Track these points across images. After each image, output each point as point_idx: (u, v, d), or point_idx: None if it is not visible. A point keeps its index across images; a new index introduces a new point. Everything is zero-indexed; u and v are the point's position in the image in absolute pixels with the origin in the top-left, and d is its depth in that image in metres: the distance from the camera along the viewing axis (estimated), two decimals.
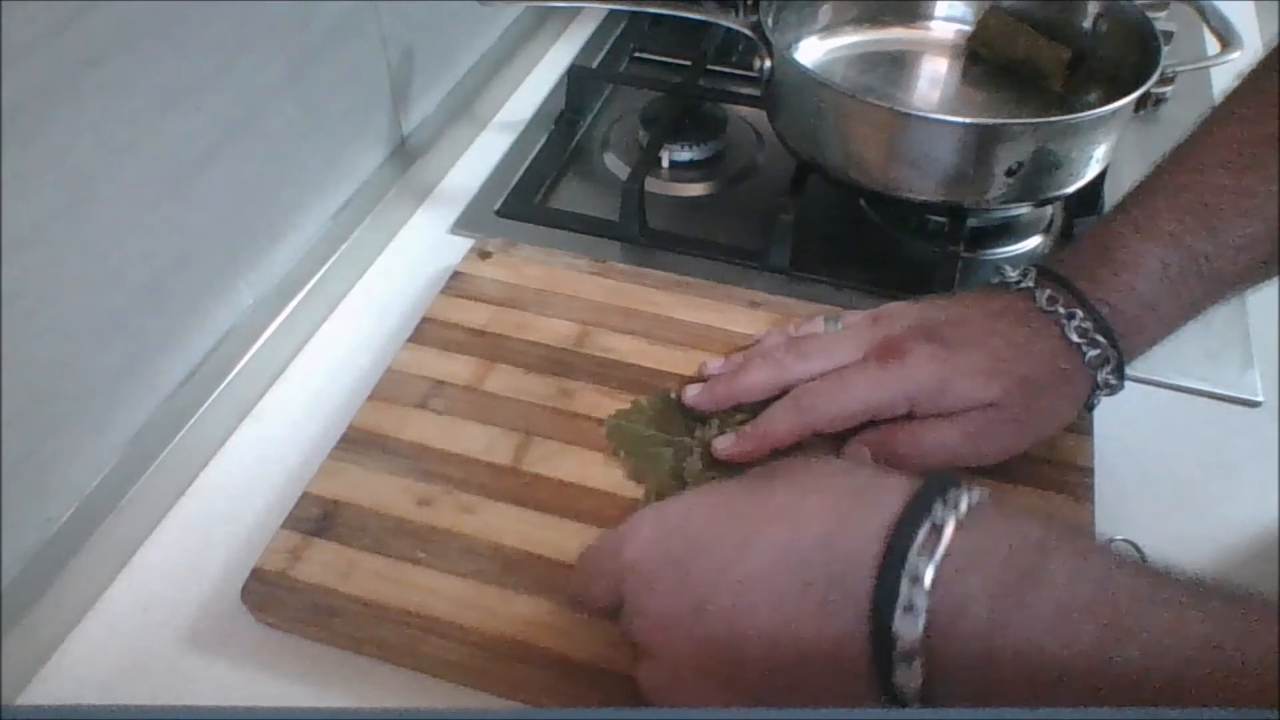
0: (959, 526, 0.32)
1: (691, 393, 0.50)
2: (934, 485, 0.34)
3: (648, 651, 0.37)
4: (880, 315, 0.49)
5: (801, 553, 0.34)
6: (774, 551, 0.34)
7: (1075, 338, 0.44)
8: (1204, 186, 0.44)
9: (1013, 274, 0.48)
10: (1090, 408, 0.48)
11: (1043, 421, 0.46)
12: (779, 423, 0.46)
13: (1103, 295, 0.45)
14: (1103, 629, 0.30)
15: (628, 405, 0.52)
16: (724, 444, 0.47)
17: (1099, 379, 0.45)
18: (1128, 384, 0.57)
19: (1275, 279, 0.46)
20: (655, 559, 0.37)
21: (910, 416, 0.46)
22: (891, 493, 0.34)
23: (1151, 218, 0.45)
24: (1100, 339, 0.44)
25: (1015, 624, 0.30)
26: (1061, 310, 0.45)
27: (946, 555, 0.31)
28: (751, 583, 0.34)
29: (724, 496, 0.38)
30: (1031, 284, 0.46)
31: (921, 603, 0.31)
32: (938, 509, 0.33)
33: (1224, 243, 0.44)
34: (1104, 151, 0.60)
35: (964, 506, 0.33)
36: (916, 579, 0.31)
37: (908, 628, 0.31)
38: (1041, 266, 0.47)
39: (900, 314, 0.48)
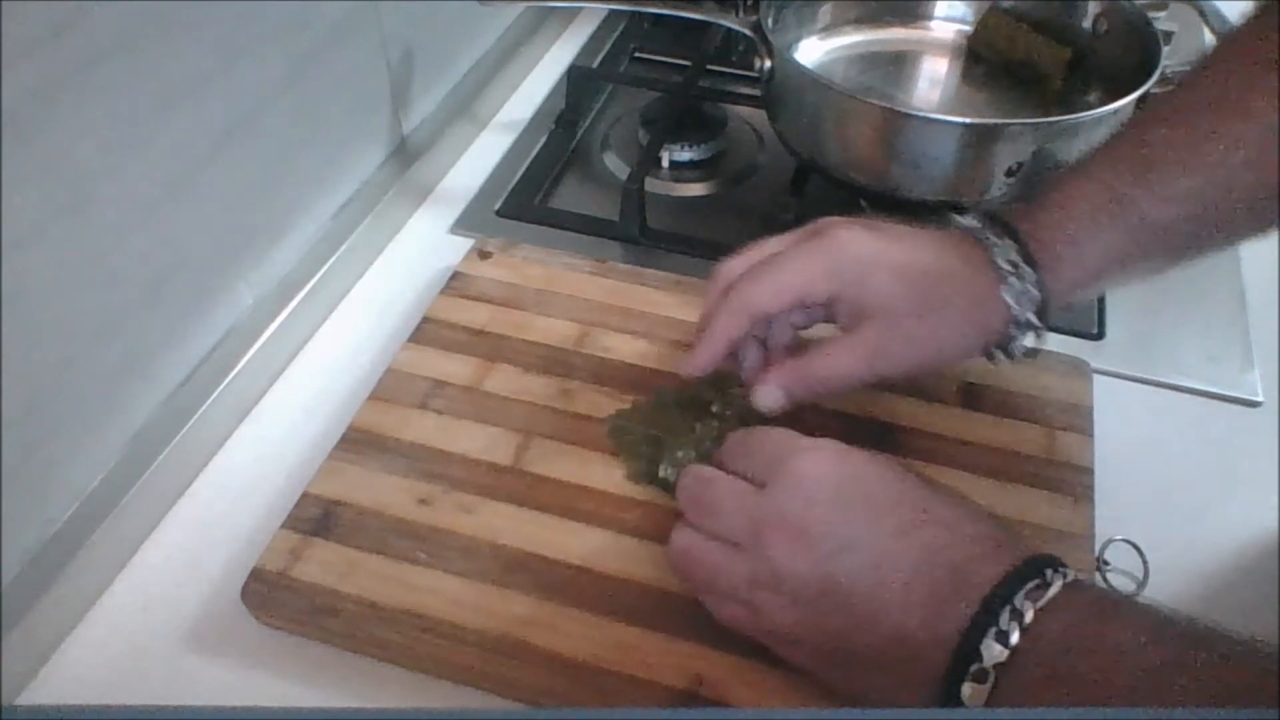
0: (1064, 587, 0.35)
1: (682, 364, 0.49)
2: (1050, 558, 0.37)
3: (759, 546, 0.39)
4: (815, 221, 0.48)
5: (944, 561, 0.37)
6: (924, 547, 0.37)
7: (1002, 264, 0.44)
8: (1141, 139, 0.45)
9: (961, 220, 0.48)
10: (1009, 354, 0.47)
11: (943, 342, 0.46)
12: (719, 320, 0.46)
13: (1030, 229, 0.45)
14: (1146, 672, 0.32)
15: (628, 405, 0.52)
16: (687, 361, 0.47)
17: (1020, 316, 0.45)
18: (1128, 384, 0.57)
19: (1215, 247, 0.47)
20: (825, 481, 0.39)
21: (829, 324, 0.46)
22: (1016, 549, 0.38)
23: (1091, 164, 0.46)
24: (1026, 269, 0.44)
25: (1077, 658, 0.34)
26: (993, 239, 0.45)
27: (1046, 606, 0.35)
28: (894, 559, 0.37)
29: (901, 477, 0.40)
30: (974, 224, 0.46)
31: (1015, 637, 0.34)
32: (1049, 573, 0.36)
33: (1157, 192, 0.44)
34: None
35: (1070, 577, 0.36)
36: (1017, 615, 0.34)
37: (992, 653, 0.34)
38: (988, 212, 0.47)
39: (834, 218, 0.47)
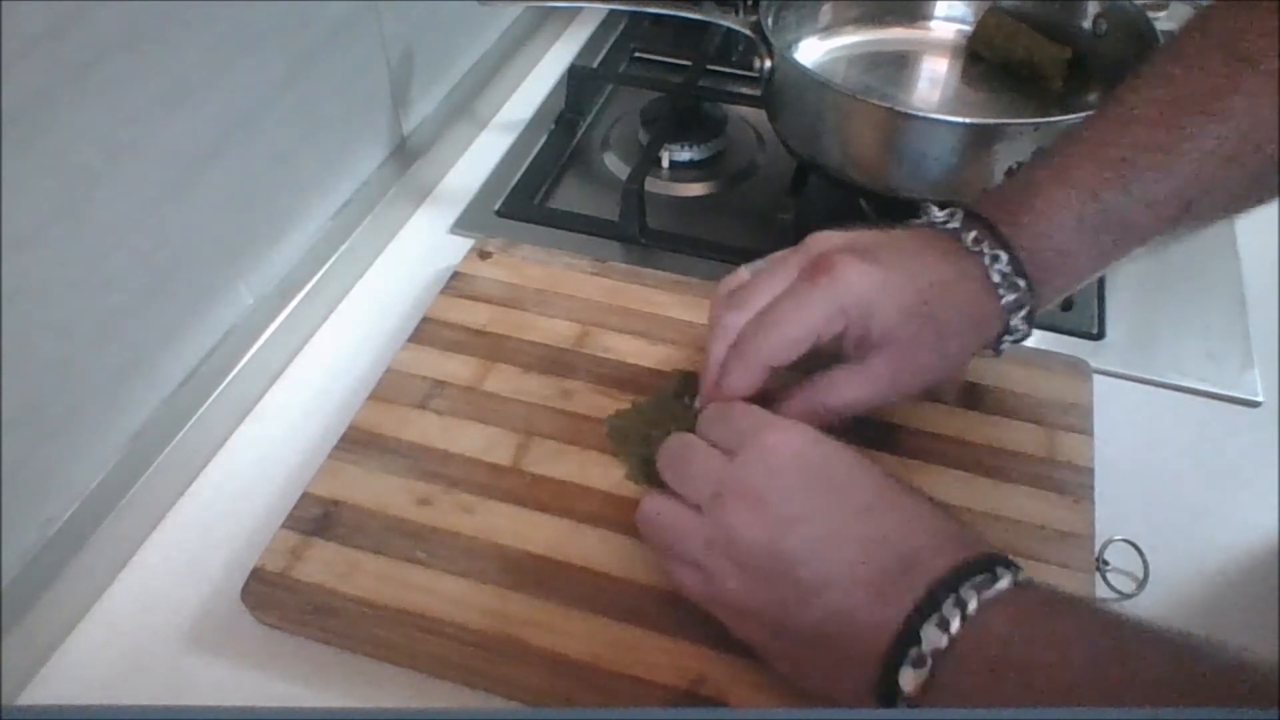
0: (1012, 584, 0.35)
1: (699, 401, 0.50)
2: (1003, 557, 0.37)
3: (718, 510, 0.39)
4: (806, 242, 0.47)
5: (896, 546, 0.37)
6: (879, 531, 0.38)
7: (996, 279, 0.44)
8: (1123, 142, 0.45)
9: (939, 214, 0.47)
10: (997, 352, 0.48)
11: (948, 365, 0.46)
12: (732, 375, 0.45)
13: (1021, 240, 0.45)
14: (1091, 661, 0.32)
15: (627, 405, 0.52)
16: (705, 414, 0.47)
17: (1010, 324, 0.46)
18: (1127, 384, 0.57)
19: (1183, 235, 0.47)
20: (793, 456, 0.40)
21: (835, 356, 0.46)
22: (970, 545, 0.38)
23: (1071, 168, 0.45)
24: (1019, 282, 0.45)
25: (1020, 647, 0.34)
26: (986, 251, 0.45)
27: (993, 600, 0.35)
28: (847, 539, 0.38)
29: (867, 466, 0.41)
30: (958, 224, 0.46)
31: (955, 625, 0.34)
32: (1000, 570, 0.36)
33: (1138, 197, 0.44)
34: None
35: (1021, 576, 0.36)
36: (961, 604, 0.34)
37: (932, 638, 0.34)
38: (966, 208, 0.47)
39: (826, 238, 0.47)
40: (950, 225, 0.46)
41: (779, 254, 0.49)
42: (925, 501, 0.40)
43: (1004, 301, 0.45)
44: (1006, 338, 0.47)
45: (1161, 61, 0.46)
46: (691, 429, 0.49)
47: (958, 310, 0.45)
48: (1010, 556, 0.37)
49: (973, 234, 0.45)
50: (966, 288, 0.45)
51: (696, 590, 0.41)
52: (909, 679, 0.34)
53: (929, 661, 0.34)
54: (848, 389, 0.45)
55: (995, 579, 0.35)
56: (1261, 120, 0.43)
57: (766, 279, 0.46)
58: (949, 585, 0.35)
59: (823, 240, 0.46)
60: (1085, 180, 0.45)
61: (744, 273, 0.49)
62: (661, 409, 0.52)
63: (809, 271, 0.45)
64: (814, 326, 0.44)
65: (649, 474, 0.49)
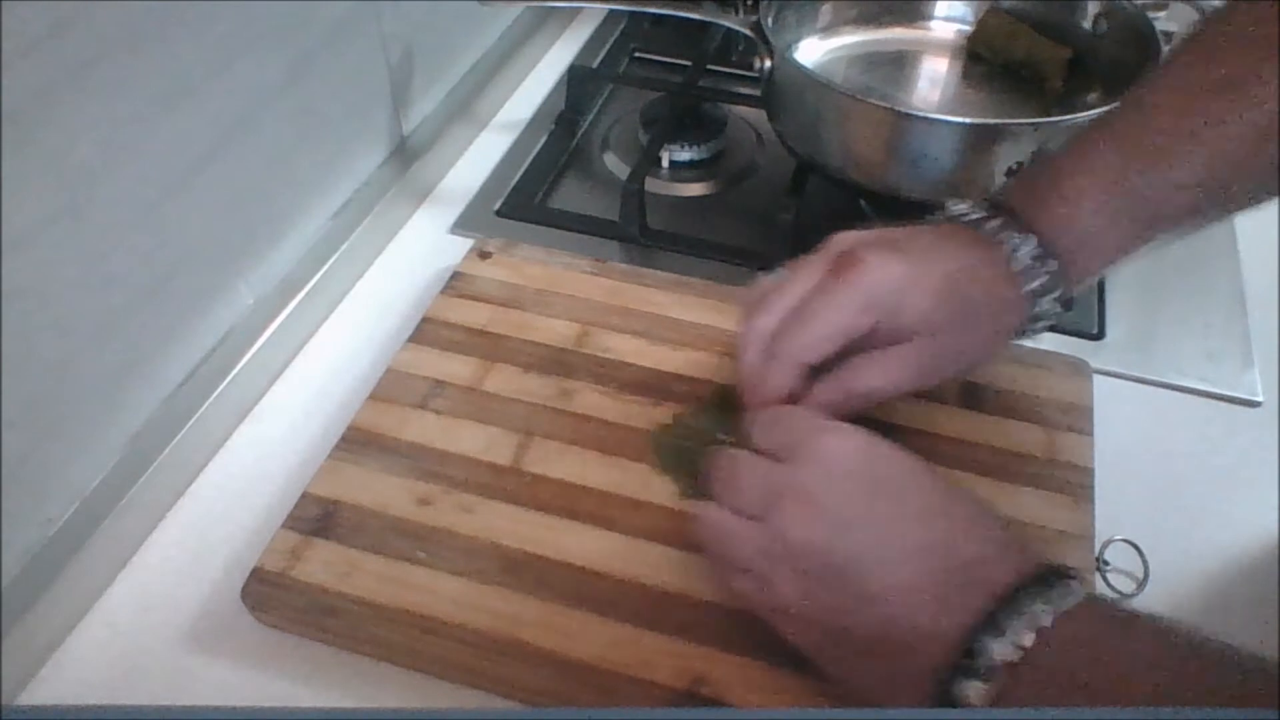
0: (1087, 598, 0.35)
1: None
2: (1066, 568, 0.37)
3: (774, 515, 0.39)
4: (828, 243, 0.47)
5: (955, 555, 0.37)
6: (937, 539, 0.37)
7: (1021, 265, 0.44)
8: (1147, 128, 0.45)
9: (959, 207, 0.47)
10: (1022, 336, 0.47)
11: (975, 353, 0.46)
12: (767, 379, 0.45)
13: (1048, 224, 0.45)
14: (1154, 689, 0.32)
15: (667, 421, 0.52)
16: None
17: (1039, 309, 0.45)
18: (1128, 384, 0.57)
19: (1210, 222, 0.47)
20: (849, 460, 0.39)
21: (868, 345, 0.45)
22: (1030, 555, 0.37)
23: (1096, 155, 0.45)
24: (1051, 264, 0.44)
25: (1085, 668, 0.33)
26: (1008, 239, 0.45)
27: (1067, 614, 0.34)
28: (905, 546, 0.37)
29: (924, 469, 0.40)
30: (978, 216, 0.46)
31: (1028, 639, 0.33)
32: (1073, 583, 0.35)
33: (1162, 184, 0.44)
34: None
35: (1087, 590, 0.36)
36: (1032, 619, 0.34)
37: (1004, 651, 0.34)
38: (989, 199, 0.47)
39: (848, 237, 0.47)
40: (970, 218, 0.46)
41: (801, 259, 0.48)
42: (979, 507, 0.39)
43: (1031, 286, 0.45)
44: (1038, 323, 0.46)
45: (1181, 56, 0.47)
46: (740, 440, 0.49)
47: (984, 296, 0.45)
48: (1070, 567, 0.37)
49: (993, 224, 0.45)
50: (989, 274, 0.45)
51: (754, 598, 0.40)
52: (974, 692, 0.34)
53: (997, 674, 0.33)
54: (882, 375, 0.44)
55: (1067, 591, 0.35)
56: None
57: (794, 281, 0.46)
58: (1012, 598, 0.34)
59: (845, 239, 0.46)
60: (1111, 164, 0.45)
61: (766, 282, 0.49)
62: (706, 422, 0.51)
63: (835, 269, 0.44)
64: (845, 322, 0.43)
65: (706, 490, 0.48)
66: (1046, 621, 0.34)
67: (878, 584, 0.36)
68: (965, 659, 0.34)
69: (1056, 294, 0.45)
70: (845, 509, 0.38)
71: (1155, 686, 0.32)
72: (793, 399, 0.45)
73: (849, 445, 0.40)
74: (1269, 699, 0.31)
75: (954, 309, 0.44)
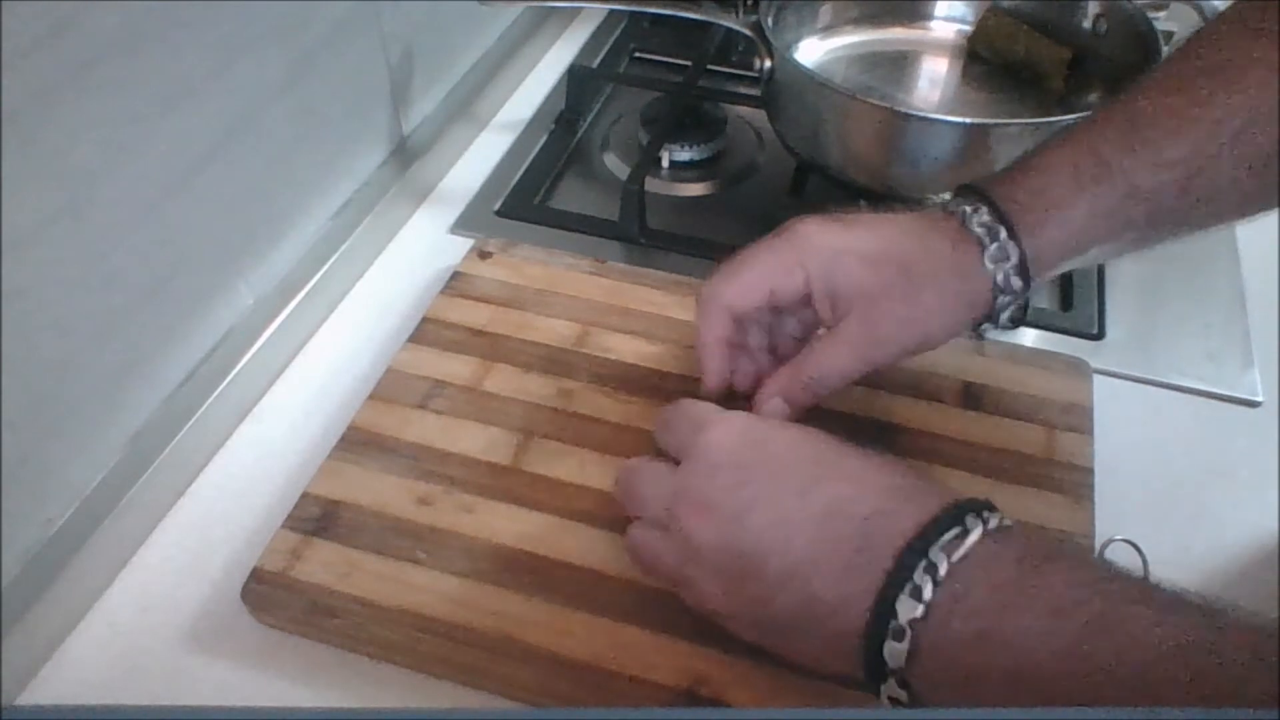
0: (984, 536, 0.34)
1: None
2: (972, 503, 0.36)
3: (674, 523, 0.39)
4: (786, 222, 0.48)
5: (850, 516, 0.36)
6: (828, 504, 0.37)
7: (975, 229, 0.44)
8: (1130, 106, 0.44)
9: (934, 199, 0.48)
10: (998, 322, 0.46)
11: (929, 319, 0.45)
12: (699, 328, 0.46)
13: (1008, 193, 0.44)
14: (1083, 626, 0.31)
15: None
16: (702, 385, 0.47)
17: (999, 279, 0.44)
18: (1127, 384, 0.57)
19: (1201, 223, 0.46)
20: (729, 450, 0.39)
21: (804, 339, 0.46)
22: (933, 497, 0.36)
23: (1074, 131, 0.45)
24: (1000, 230, 0.43)
25: (1007, 614, 0.32)
26: (964, 208, 0.44)
27: (964, 557, 0.33)
28: (798, 520, 0.37)
29: (806, 438, 0.40)
30: (945, 198, 0.46)
31: (929, 592, 0.33)
32: (970, 520, 0.34)
33: (1143, 159, 0.43)
34: None
35: (993, 524, 0.35)
36: (932, 569, 0.33)
37: (907, 609, 0.33)
38: (962, 185, 0.47)
39: (804, 216, 0.47)
40: (938, 200, 0.46)
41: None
42: (873, 461, 0.39)
43: (988, 252, 0.43)
44: (1002, 296, 0.44)
45: (1184, 44, 0.46)
46: None
47: (933, 263, 0.44)
48: (980, 500, 0.36)
49: (959, 201, 0.45)
50: (944, 244, 0.44)
51: (691, 605, 0.40)
52: (892, 653, 0.33)
53: (908, 633, 0.33)
54: (826, 356, 0.45)
55: (966, 531, 0.34)
56: (1276, 95, 0.42)
57: (742, 252, 0.47)
58: (919, 550, 0.34)
59: (798, 216, 0.47)
60: (1088, 139, 0.44)
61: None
62: None
63: (774, 233, 0.46)
64: (769, 270, 0.44)
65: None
66: (943, 571, 0.33)
67: (781, 564, 0.36)
68: (881, 622, 0.34)
69: (1013, 262, 0.44)
70: (733, 500, 0.38)
71: (1080, 626, 0.31)
72: (751, 391, 0.46)
73: (729, 434, 0.40)
74: (1201, 630, 0.30)
75: (891, 272, 0.43)
